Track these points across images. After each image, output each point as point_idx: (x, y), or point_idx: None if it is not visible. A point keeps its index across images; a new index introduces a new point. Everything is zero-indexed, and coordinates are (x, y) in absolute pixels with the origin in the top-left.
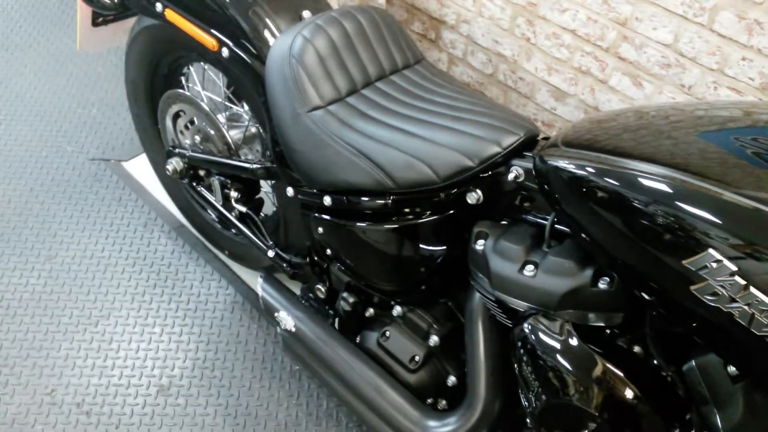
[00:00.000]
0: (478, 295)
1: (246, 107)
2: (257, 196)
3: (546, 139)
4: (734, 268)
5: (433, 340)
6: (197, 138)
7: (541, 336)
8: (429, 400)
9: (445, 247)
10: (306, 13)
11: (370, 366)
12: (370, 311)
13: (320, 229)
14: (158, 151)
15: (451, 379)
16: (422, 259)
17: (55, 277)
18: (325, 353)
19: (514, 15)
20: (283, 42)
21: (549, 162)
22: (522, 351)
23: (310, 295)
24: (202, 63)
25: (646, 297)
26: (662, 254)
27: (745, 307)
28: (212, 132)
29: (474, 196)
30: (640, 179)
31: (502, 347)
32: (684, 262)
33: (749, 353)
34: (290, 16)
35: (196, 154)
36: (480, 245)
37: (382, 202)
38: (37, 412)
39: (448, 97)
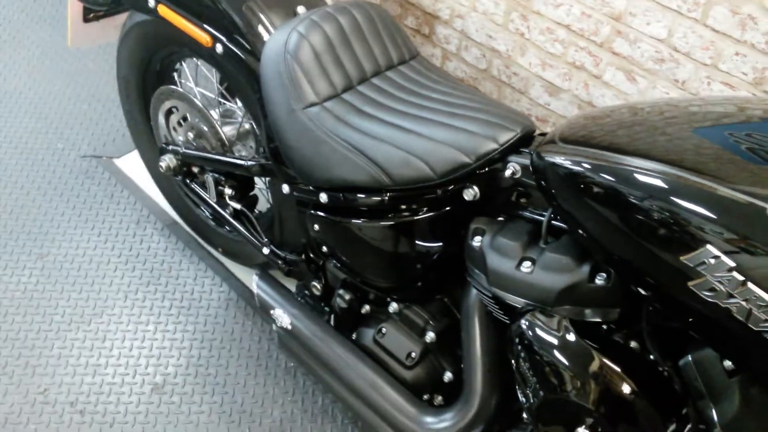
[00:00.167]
0: (474, 291)
1: (239, 103)
2: (251, 193)
3: (542, 135)
4: (732, 264)
5: (430, 336)
6: (190, 134)
7: (539, 332)
8: (425, 397)
9: (441, 244)
10: (300, 9)
11: (367, 363)
12: (366, 308)
13: (316, 226)
14: (151, 148)
15: (448, 375)
16: (418, 255)
17: (47, 276)
18: (321, 350)
19: (508, 10)
20: (278, 38)
21: (546, 158)
22: (519, 347)
23: (306, 292)
24: (194, 59)
25: (643, 292)
26: (660, 250)
27: (743, 303)
28: (206, 128)
29: (471, 193)
30: (636, 175)
31: (499, 343)
32: (682, 258)
33: (746, 348)
34: (284, 12)
35: (189, 151)
36: (477, 242)
37: (379, 198)
38: (30, 411)
39: (443, 93)
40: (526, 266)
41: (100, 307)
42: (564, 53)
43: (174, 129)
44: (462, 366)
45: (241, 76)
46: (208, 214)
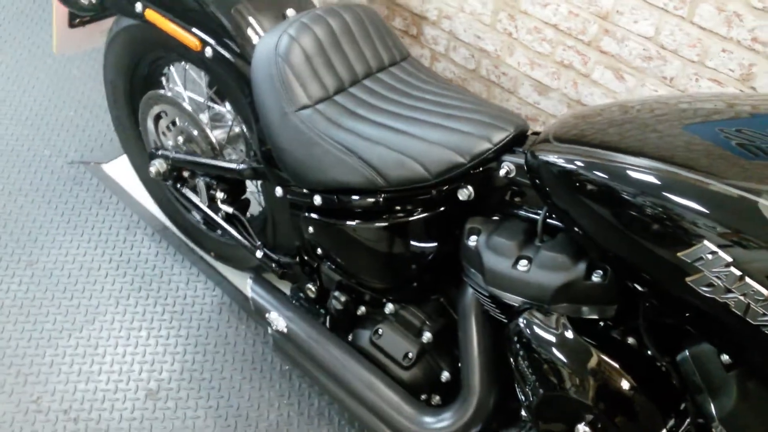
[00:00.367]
0: (470, 290)
1: (228, 107)
2: (243, 197)
3: (535, 134)
4: (729, 259)
5: (426, 336)
6: (180, 139)
7: (537, 330)
8: (423, 397)
9: (436, 244)
10: (290, 12)
11: (364, 364)
12: (362, 309)
13: (310, 229)
14: (140, 153)
15: (445, 375)
16: (414, 256)
17: (36, 283)
18: (318, 353)
19: (495, 10)
20: (268, 41)
21: (540, 157)
22: (518, 345)
23: (301, 294)
24: (183, 63)
25: (640, 289)
26: (657, 246)
27: (741, 298)
28: (195, 132)
29: (465, 193)
30: (629, 172)
31: (496, 342)
32: (679, 254)
33: (744, 342)
34: (274, 15)
35: (180, 156)
36: (473, 241)
37: (373, 200)
38: (23, 420)
39: (436, 94)
40: (523, 265)
41: (91, 313)
42: (552, 52)
43: (163, 134)
44: (459, 365)
45: (231, 80)
46: (199, 218)
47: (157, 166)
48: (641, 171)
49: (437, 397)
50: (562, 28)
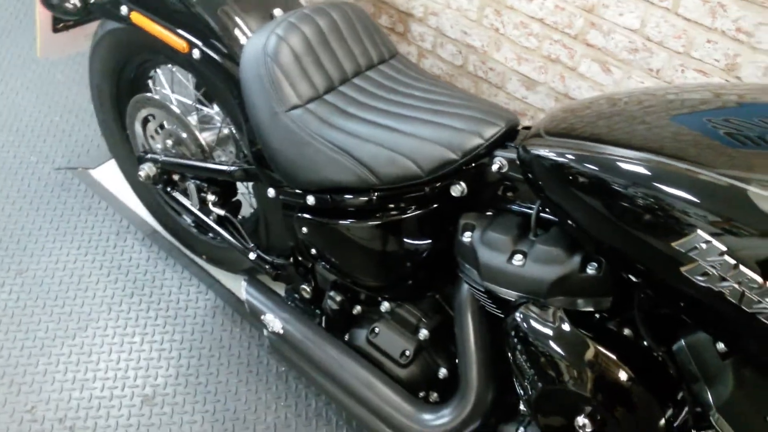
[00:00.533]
0: (466, 286)
1: (217, 109)
2: (234, 199)
3: (526, 128)
4: (723, 248)
5: (423, 333)
6: (169, 142)
7: (534, 324)
8: (421, 394)
9: (430, 241)
10: (277, 11)
11: (361, 363)
12: (358, 308)
13: (304, 229)
14: (128, 157)
15: (442, 372)
16: (408, 253)
17: (27, 291)
18: (315, 353)
19: (481, 5)
20: (256, 41)
21: (532, 151)
22: (515, 340)
23: (296, 295)
24: (170, 65)
25: (635, 280)
26: (651, 237)
27: (736, 286)
28: (184, 135)
29: (458, 189)
30: (620, 164)
31: (492, 337)
32: (673, 244)
33: (739, 330)
34: (261, 15)
35: (169, 159)
36: (467, 237)
37: (367, 198)
38: (18, 430)
39: (425, 91)
40: (518, 259)
41: (84, 320)
42: (539, 47)
43: (152, 137)
44: (456, 361)
45: (220, 81)
46: (190, 221)
47: (146, 169)
48: (631, 162)
49: (435, 394)
50: (548, 22)
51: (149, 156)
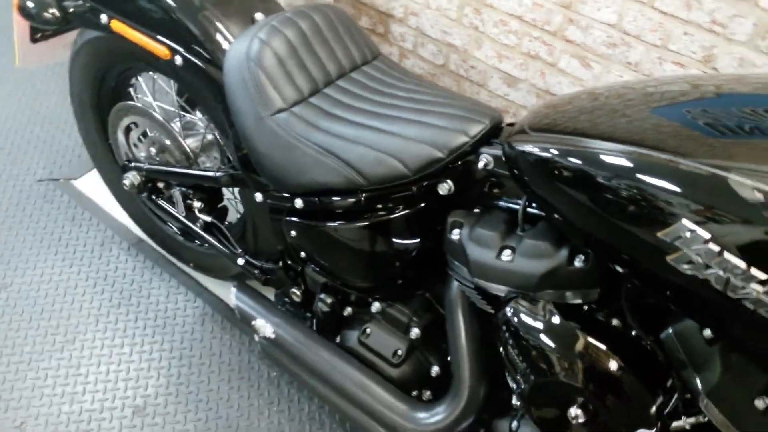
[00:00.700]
0: (455, 284)
1: (200, 115)
2: (221, 205)
3: (510, 125)
4: (708, 236)
5: (414, 332)
6: (152, 150)
7: (524, 318)
8: (414, 393)
9: (418, 240)
10: (258, 15)
11: (354, 364)
12: (349, 310)
13: (293, 233)
14: (111, 166)
15: (435, 370)
16: (397, 253)
17: (12, 306)
18: (307, 356)
19: (461, 5)
20: (239, 46)
21: (517, 147)
22: (507, 334)
23: (286, 299)
24: (151, 73)
25: (622, 270)
26: (636, 228)
27: (721, 273)
28: (168, 142)
29: (445, 187)
30: (603, 157)
31: (483, 334)
32: (658, 234)
33: (725, 316)
34: (242, 19)
35: (154, 167)
36: (456, 235)
37: (354, 199)
38: None
39: (409, 91)
40: (507, 255)
41: (71, 333)
42: (519, 44)
43: (135, 145)
44: (449, 359)
45: (203, 87)
46: (176, 229)
47: (130, 178)
48: (614, 155)
49: (428, 392)
50: (527, 19)
51: (133, 164)
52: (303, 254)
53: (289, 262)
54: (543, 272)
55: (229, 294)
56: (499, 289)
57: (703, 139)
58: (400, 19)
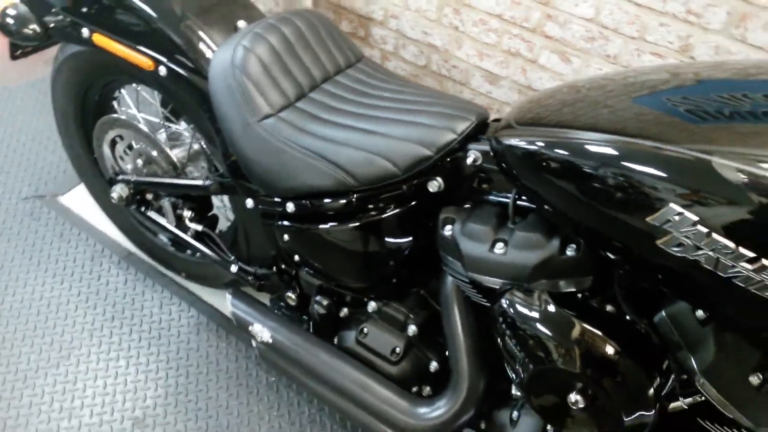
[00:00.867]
0: (450, 279)
1: (184, 125)
2: (211, 213)
3: (496, 121)
4: (695, 218)
5: (411, 329)
6: (139, 162)
7: (520, 308)
8: (414, 389)
9: (411, 238)
10: (241, 23)
11: (353, 364)
12: (345, 311)
13: (285, 237)
14: (98, 180)
15: (433, 365)
16: (391, 252)
17: (5, 325)
18: (306, 359)
19: (440, 5)
20: (223, 54)
21: (504, 142)
22: (504, 325)
23: (281, 304)
24: (134, 84)
25: (614, 257)
26: (626, 215)
27: (710, 253)
28: (155, 153)
29: (435, 185)
30: (588, 146)
31: (479, 327)
32: (648, 219)
33: (717, 296)
34: (225, 28)
35: (142, 179)
36: (448, 231)
37: (346, 201)
38: None
39: (394, 91)
40: (499, 248)
41: (66, 349)
42: (499, 42)
43: (121, 158)
44: (447, 354)
45: (188, 96)
46: (167, 240)
47: (118, 191)
48: (599, 144)
49: (428, 388)
50: (506, 17)
51: (121, 177)
52: (297, 258)
53: (282, 266)
54: (536, 263)
55: (225, 301)
56: (494, 282)
57: (685, 125)
58: (380, 22)
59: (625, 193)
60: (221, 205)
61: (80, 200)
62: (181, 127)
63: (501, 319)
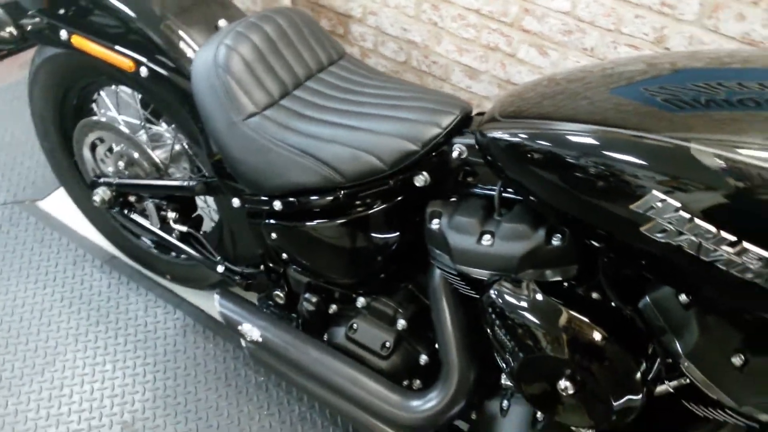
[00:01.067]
0: (438, 273)
1: (165, 126)
2: (195, 214)
3: (480, 114)
4: (678, 204)
5: (401, 323)
6: (121, 164)
7: (508, 298)
8: (404, 383)
9: (398, 233)
10: (222, 22)
11: (343, 360)
12: (334, 307)
13: (273, 235)
14: (78, 184)
15: (423, 358)
16: (379, 247)
17: None
18: (296, 357)
19: (418, 1)
20: (206, 53)
21: (489, 135)
22: (493, 316)
23: (270, 303)
24: (113, 86)
25: (598, 245)
26: (609, 203)
27: (693, 238)
28: (136, 155)
29: (421, 179)
30: (569, 137)
31: (468, 319)
32: (631, 206)
33: (700, 280)
34: (205, 27)
35: (124, 181)
36: (436, 224)
37: (333, 197)
38: None
39: (378, 87)
40: (486, 239)
41: (51, 355)
42: (477, 37)
43: (102, 161)
44: (436, 346)
45: (170, 97)
46: (150, 242)
47: (100, 194)
48: (580, 135)
49: (418, 381)
50: (484, 12)
51: (102, 180)
52: (284, 256)
53: (270, 265)
54: (523, 253)
55: (211, 302)
56: (482, 274)
57: (663, 113)
58: (359, 19)
59: (608, 181)
60: (205, 205)
61: (60, 204)
62: (162, 128)
63: (490, 310)
